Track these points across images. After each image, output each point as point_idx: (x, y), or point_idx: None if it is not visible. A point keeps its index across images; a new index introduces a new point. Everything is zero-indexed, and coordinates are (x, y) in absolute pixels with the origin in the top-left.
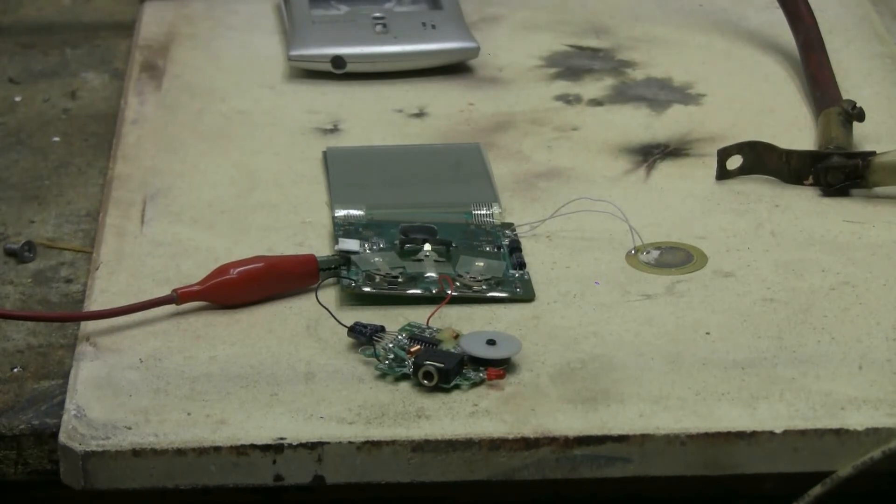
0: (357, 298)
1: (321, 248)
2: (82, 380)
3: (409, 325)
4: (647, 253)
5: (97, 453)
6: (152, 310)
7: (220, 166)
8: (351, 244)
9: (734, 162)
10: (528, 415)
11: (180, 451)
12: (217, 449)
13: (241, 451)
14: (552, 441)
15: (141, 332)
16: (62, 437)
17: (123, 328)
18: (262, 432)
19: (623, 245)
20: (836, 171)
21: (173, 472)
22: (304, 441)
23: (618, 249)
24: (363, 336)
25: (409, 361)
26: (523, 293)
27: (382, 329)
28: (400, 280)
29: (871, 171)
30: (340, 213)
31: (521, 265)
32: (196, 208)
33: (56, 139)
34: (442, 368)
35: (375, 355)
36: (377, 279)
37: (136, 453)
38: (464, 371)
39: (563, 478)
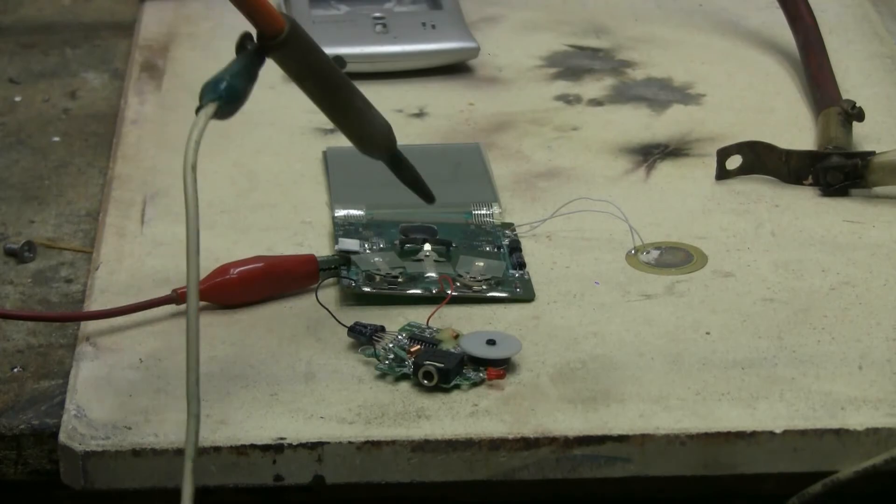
0: (357, 298)
1: (321, 248)
2: (82, 380)
3: (408, 325)
4: (647, 253)
5: (97, 453)
6: (152, 310)
7: (220, 166)
8: (351, 244)
9: (734, 162)
10: (528, 415)
11: (180, 451)
12: (217, 449)
13: (241, 451)
14: (552, 441)
15: (141, 332)
16: (62, 437)
17: (123, 328)
18: (262, 432)
19: (623, 245)
20: (836, 170)
21: (173, 472)
22: (304, 441)
23: (618, 249)
24: (363, 336)
25: (409, 361)
26: (523, 293)
27: (382, 329)
28: (400, 280)
29: (871, 170)
30: (340, 213)
31: (521, 265)
32: None
33: (56, 139)
34: (442, 368)
35: (375, 355)
36: (377, 279)
37: (136, 453)
38: (464, 371)
39: (563, 478)
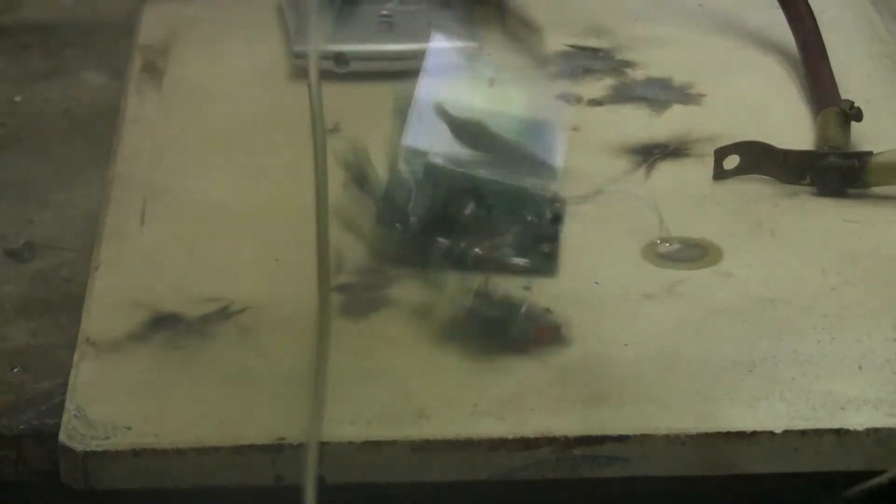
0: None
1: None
2: (82, 380)
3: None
4: (670, 245)
5: (97, 453)
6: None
7: (220, 166)
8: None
9: (731, 162)
10: (528, 415)
11: (180, 451)
12: (217, 449)
13: (241, 451)
14: (552, 441)
15: (142, 332)
16: (62, 437)
17: (123, 327)
18: (262, 432)
19: (633, 240)
20: (833, 171)
21: (173, 472)
22: (304, 441)
23: (623, 247)
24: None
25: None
26: (545, 267)
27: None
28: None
29: (868, 171)
30: (408, 144)
31: (554, 238)
32: (196, 208)
33: (56, 139)
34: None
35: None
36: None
37: (136, 453)
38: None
39: (563, 478)
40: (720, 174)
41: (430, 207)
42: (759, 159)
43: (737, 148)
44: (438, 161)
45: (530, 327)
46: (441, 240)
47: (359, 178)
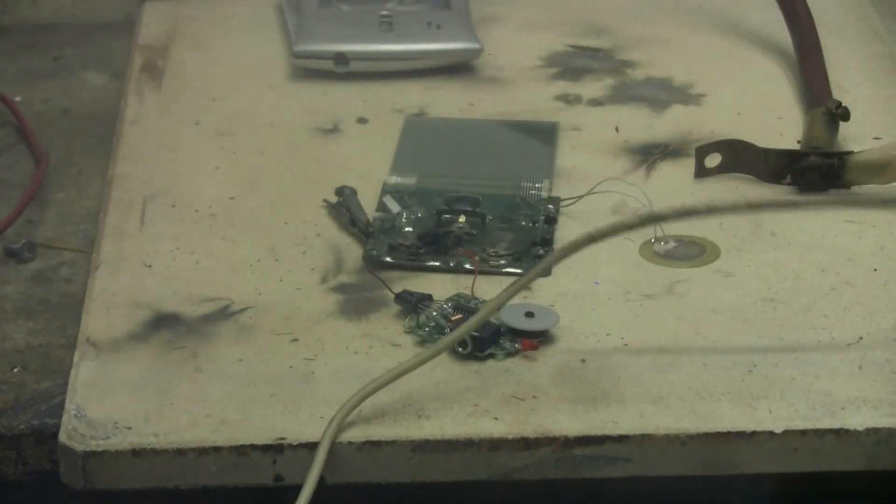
0: (378, 266)
1: (321, 247)
2: (82, 380)
3: (457, 294)
4: (665, 243)
5: (97, 453)
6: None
7: (220, 166)
8: (393, 205)
9: (713, 160)
10: (528, 415)
11: (180, 451)
12: (217, 449)
13: (241, 451)
14: (552, 441)
15: (141, 332)
16: (62, 437)
17: (123, 328)
18: (262, 432)
19: (631, 240)
20: (813, 170)
21: (173, 472)
22: (304, 441)
23: (625, 244)
24: (409, 304)
25: (448, 330)
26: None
27: (430, 298)
28: (422, 251)
29: (847, 170)
30: (392, 179)
31: (547, 241)
32: (196, 208)
33: (56, 139)
34: (477, 337)
35: (418, 325)
36: (401, 249)
37: (136, 453)
38: (500, 342)
39: (563, 478)
40: (702, 172)
41: (421, 234)
42: (740, 158)
43: (718, 146)
44: (426, 185)
45: (514, 345)
46: (432, 263)
47: (348, 218)
